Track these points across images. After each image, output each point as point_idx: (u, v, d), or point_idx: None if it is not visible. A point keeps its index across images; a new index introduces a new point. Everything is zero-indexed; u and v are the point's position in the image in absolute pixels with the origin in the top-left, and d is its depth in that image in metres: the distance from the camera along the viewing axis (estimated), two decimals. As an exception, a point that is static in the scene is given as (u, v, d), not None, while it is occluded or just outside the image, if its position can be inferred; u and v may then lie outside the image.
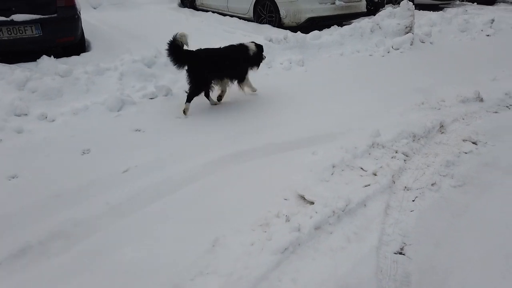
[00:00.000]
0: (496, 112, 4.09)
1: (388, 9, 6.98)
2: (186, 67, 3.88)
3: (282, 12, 7.35)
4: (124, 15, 8.84)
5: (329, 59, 5.98)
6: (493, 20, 8.31)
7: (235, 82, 4.23)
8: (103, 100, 3.94)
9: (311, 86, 4.94)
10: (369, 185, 2.75)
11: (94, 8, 9.58)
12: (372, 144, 3.24)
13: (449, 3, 11.24)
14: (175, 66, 3.82)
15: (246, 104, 4.33)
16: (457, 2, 11.72)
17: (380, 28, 6.78)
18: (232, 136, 3.53)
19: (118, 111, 3.91)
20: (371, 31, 6.72)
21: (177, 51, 3.74)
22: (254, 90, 4.51)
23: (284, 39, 5.91)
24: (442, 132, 3.63)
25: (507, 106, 4.25)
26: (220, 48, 4.10)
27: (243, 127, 3.72)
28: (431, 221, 2.45)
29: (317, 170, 2.89)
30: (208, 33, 7.25)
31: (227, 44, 4.29)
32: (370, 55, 6.27)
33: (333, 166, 2.95)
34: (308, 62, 5.75)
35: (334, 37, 6.42)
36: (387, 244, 2.25)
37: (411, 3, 6.83)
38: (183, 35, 3.76)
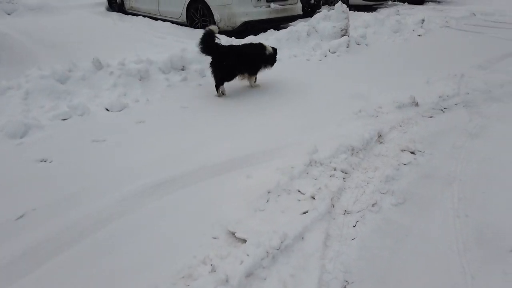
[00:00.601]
0: (431, 117, 4.06)
1: (324, 11, 6.90)
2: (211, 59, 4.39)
3: (216, 16, 7.00)
4: (42, 22, 7.99)
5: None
6: (423, 20, 8.60)
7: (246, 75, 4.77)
8: (1, 125, 3.34)
9: (243, 96, 4.65)
10: (307, 211, 2.50)
11: (8, 14, 8.59)
12: (310, 162, 3.00)
13: (382, 4, 11.56)
14: (203, 54, 4.37)
15: (172, 120, 3.93)
16: (389, 3, 12.11)
17: (316, 31, 6.67)
18: (155, 160, 3.12)
19: (21, 137, 3.34)
20: (307, 34, 6.59)
21: (210, 40, 4.27)
22: (258, 86, 4.95)
23: (218, 45, 5.56)
24: (381, 142, 3.49)
25: (441, 110, 4.24)
26: (242, 45, 4.81)
27: (169, 149, 3.33)
28: (374, 250, 2.24)
29: (251, 198, 2.59)
30: (137, 39, 6.72)
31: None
32: (308, 60, 6.12)
33: (269, 192, 2.66)
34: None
35: (270, 42, 6.18)
36: (327, 285, 1.99)
37: (345, 5, 6.80)
38: (215, 28, 4.31)
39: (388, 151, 3.35)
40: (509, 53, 6.74)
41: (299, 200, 2.64)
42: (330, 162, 3.04)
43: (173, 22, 8.00)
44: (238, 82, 4.85)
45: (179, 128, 3.76)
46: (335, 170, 2.96)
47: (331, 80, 5.24)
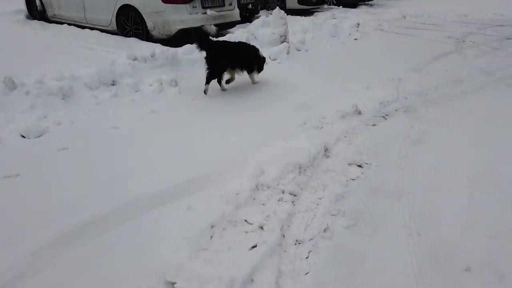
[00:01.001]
0: (374, 125, 4.03)
1: (262, 17, 6.75)
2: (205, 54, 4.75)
3: (149, 24, 6.58)
4: None
5: (206, 76, 5.45)
6: (358, 24, 8.81)
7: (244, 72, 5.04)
8: None
9: (184, 111, 4.34)
10: (255, 246, 2.27)
11: None
12: (256, 186, 2.78)
13: (318, 8, 11.75)
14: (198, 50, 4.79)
15: (100, 144, 3.52)
16: (325, 6, 12.36)
17: (255, 38, 6.50)
18: (80, 194, 2.72)
19: None
20: (247, 41, 6.38)
21: (204, 37, 4.69)
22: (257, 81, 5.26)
23: (152, 56, 5.18)
24: (328, 156, 3.37)
25: (383, 117, 4.25)
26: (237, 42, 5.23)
27: (96, 179, 2.93)
28: (329, 284, 2.06)
29: (192, 235, 2.31)
30: (62, 50, 6.10)
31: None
32: (249, 68, 5.92)
33: (212, 226, 2.40)
34: (182, 82, 5.13)
35: (208, 50, 5.90)
36: (282, 337, 1.77)
37: (283, 11, 6.71)
38: (211, 27, 4.67)
39: (336, 165, 3.24)
40: (439, 54, 7.06)
41: (246, 232, 2.40)
42: (278, 184, 2.84)
43: (102, 31, 7.41)
44: (181, 102, 4.54)
45: (109, 153, 3.36)
46: (283, 193, 2.77)
47: (272, 89, 5.08)
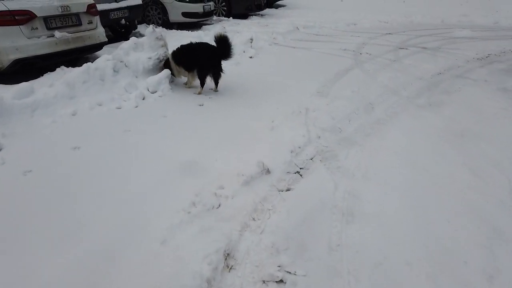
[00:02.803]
0: (289, 190, 2.98)
1: (132, 39, 5.33)
2: None
3: (-31, 54, 4.68)
4: None
5: (53, 127, 3.86)
6: (252, 40, 7.89)
7: None
8: None
9: (12, 190, 2.77)
10: None
11: None
12: None
13: (207, 20, 10.65)
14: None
15: None
16: (214, 18, 11.31)
17: (126, 66, 5.06)
18: None
19: None
20: (115, 71, 4.92)
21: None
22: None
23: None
24: (231, 269, 2.18)
25: (297, 172, 3.23)
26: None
27: None
28: None
29: None
30: None
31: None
32: (118, 108, 4.48)
33: None
34: (12, 141, 3.50)
35: (57, 88, 4.31)
36: None
37: (159, 29, 5.39)
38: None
39: (244, 284, 2.07)
40: (340, 71, 6.47)
41: None
42: None
43: None
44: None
45: None
46: None
47: (151, 138, 3.74)
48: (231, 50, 5.00)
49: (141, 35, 8.82)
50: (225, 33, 4.92)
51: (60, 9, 5.03)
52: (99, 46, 5.89)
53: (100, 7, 7.10)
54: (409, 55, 7.70)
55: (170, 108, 4.59)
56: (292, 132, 3.93)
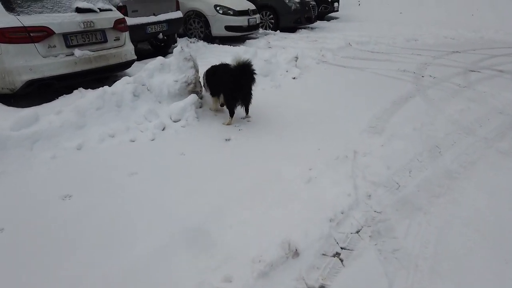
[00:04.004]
0: (323, 287, 2.13)
1: (159, 59, 4.74)
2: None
3: (-18, 73, 4.33)
4: None
5: (50, 165, 3.32)
6: (297, 58, 7.09)
7: None
8: None
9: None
10: None
11: None
12: None
13: (252, 33, 10.02)
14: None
15: None
16: (260, 31, 10.66)
17: (149, 90, 4.48)
18: None
19: None
20: (134, 95, 4.35)
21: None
22: None
23: None
24: None
25: (336, 256, 2.37)
26: None
27: None
28: None
29: None
30: None
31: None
32: (132, 141, 3.88)
33: None
34: (5, 179, 2.98)
35: (65, 115, 3.79)
36: None
37: (188, 50, 4.75)
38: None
39: None
40: (398, 98, 5.47)
41: None
42: None
43: None
44: None
45: None
46: None
47: (159, 187, 3.06)
48: (253, 79, 4.22)
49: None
50: (247, 60, 4.12)
51: (83, 25, 4.57)
52: (126, 65, 5.39)
53: (136, 21, 6.72)
54: (483, 80, 6.49)
55: (191, 143, 3.91)
56: (334, 188, 3.07)
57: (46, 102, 4.31)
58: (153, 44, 8.18)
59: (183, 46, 4.70)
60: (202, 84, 4.69)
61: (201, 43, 8.82)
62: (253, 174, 3.27)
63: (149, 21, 7.00)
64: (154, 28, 7.16)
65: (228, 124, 4.39)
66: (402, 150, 3.84)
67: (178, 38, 8.87)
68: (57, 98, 4.38)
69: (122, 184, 3.09)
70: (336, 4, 15.03)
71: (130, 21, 6.62)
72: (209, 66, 4.63)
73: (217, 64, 4.51)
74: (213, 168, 3.40)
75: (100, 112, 4.01)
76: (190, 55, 4.71)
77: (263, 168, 3.40)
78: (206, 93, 4.70)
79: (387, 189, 3.13)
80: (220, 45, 8.89)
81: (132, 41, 7.28)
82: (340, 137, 4.10)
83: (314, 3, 12.25)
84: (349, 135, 4.17)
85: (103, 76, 5.17)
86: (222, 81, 4.25)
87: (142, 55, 6.80)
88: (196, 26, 9.15)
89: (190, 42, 8.85)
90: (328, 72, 7.00)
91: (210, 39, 9.09)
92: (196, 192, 3.00)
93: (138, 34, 6.86)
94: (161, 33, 7.32)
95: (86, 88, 4.61)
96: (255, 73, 4.17)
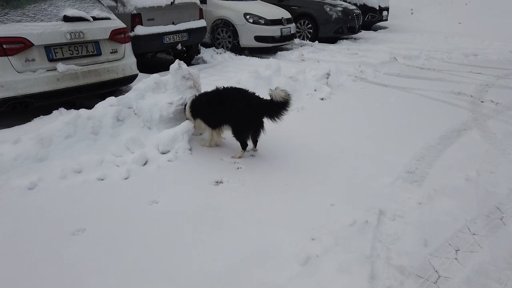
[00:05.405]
0: None
1: (153, 77, 4.03)
2: None
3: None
4: None
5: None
6: (328, 74, 6.12)
7: None
8: None
9: None
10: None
11: None
12: None
13: (286, 43, 9.16)
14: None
15: None
16: (296, 42, 9.75)
17: (136, 114, 3.77)
18: None
19: None
20: (118, 120, 3.66)
21: None
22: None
23: None
24: None
25: None
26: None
27: None
28: None
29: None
30: None
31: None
32: (101, 180, 3.16)
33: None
34: None
35: (24, 145, 3.15)
36: None
37: (185, 67, 3.99)
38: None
39: None
40: (448, 131, 4.37)
41: None
42: None
43: None
44: None
45: None
46: None
47: (101, 262, 2.30)
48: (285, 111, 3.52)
49: (204, 62, 7.71)
50: (288, 93, 3.42)
51: (69, 36, 3.97)
52: (124, 81, 4.73)
53: (150, 30, 6.14)
54: None
55: (171, 186, 3.13)
56: (340, 278, 2.13)
57: (21, 124, 3.74)
58: (176, 53, 7.58)
59: (181, 63, 3.92)
60: (187, 117, 3.81)
61: (228, 54, 8.11)
62: (231, 247, 2.41)
63: (166, 31, 6.40)
64: (173, 38, 6.54)
65: (240, 157, 3.60)
66: (448, 214, 2.80)
67: (204, 48, 8.25)
68: (32, 120, 3.79)
69: (56, 250, 2.35)
70: (385, 13, 13.70)
71: (144, 30, 6.06)
72: (201, 93, 3.84)
73: (215, 89, 3.66)
74: (184, 232, 2.57)
75: (70, 142, 3.34)
76: (189, 73, 3.95)
77: (249, 235, 2.53)
78: (200, 126, 3.81)
79: (421, 283, 2.13)
80: (249, 56, 8.13)
81: (146, 52, 6.75)
82: (364, 187, 3.13)
83: (358, 11, 11.13)
84: (377, 184, 3.19)
85: (96, 93, 4.54)
86: (234, 110, 3.46)
87: (164, 66, 6.16)
88: (224, 35, 8.46)
89: (216, 53, 8.17)
90: (364, 93, 5.97)
91: (238, 50, 8.36)
92: (144, 272, 2.19)
93: (152, 44, 6.27)
94: (180, 44, 6.69)
95: (88, 106, 3.90)
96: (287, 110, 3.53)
